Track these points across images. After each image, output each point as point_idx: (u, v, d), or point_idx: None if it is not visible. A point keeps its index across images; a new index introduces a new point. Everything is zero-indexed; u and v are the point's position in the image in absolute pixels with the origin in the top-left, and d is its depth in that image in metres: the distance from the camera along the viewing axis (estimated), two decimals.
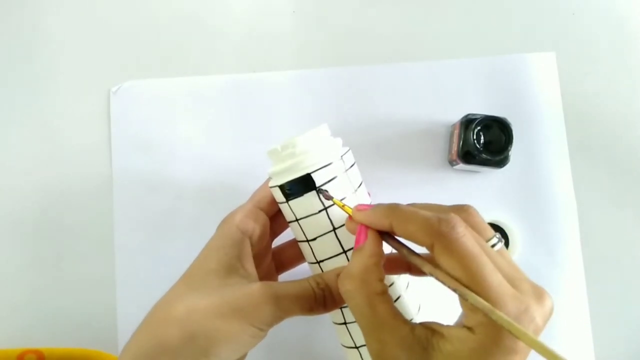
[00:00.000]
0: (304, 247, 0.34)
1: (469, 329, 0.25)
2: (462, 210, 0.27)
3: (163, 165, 0.47)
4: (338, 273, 0.31)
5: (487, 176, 0.47)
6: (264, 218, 0.35)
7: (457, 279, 0.25)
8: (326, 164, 0.31)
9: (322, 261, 0.33)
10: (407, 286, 0.35)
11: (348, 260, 0.32)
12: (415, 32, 0.49)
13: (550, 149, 0.47)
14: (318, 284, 0.31)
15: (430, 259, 0.27)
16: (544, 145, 0.47)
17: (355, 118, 0.47)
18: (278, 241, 0.39)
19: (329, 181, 0.31)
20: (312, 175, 0.31)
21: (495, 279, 0.25)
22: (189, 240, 0.46)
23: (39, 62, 0.49)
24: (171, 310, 0.30)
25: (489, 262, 0.25)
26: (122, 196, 0.47)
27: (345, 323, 0.34)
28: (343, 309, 0.33)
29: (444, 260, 0.25)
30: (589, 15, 0.49)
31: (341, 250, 0.32)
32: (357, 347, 0.33)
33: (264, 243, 0.35)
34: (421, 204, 0.29)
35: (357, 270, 0.28)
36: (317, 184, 0.31)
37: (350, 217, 0.31)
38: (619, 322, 0.45)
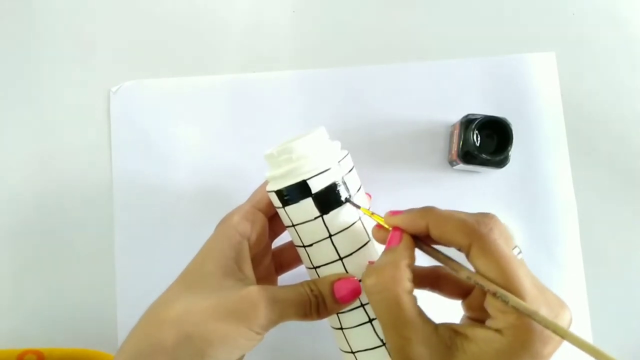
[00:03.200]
0: (301, 251, 0.34)
1: (497, 330, 0.25)
2: (488, 217, 0.28)
3: (163, 164, 0.47)
4: (332, 281, 0.31)
5: (487, 176, 0.47)
6: (262, 219, 0.35)
7: (492, 280, 0.25)
8: (323, 170, 0.31)
9: (318, 267, 0.33)
10: None
11: (344, 267, 0.32)
12: (415, 32, 0.49)
13: (550, 149, 0.47)
14: (312, 290, 0.31)
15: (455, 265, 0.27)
16: (544, 145, 0.47)
17: (355, 118, 0.47)
18: (278, 242, 0.39)
19: (325, 187, 0.31)
20: (308, 182, 0.31)
21: (529, 283, 0.25)
22: (189, 240, 0.46)
23: (39, 62, 0.49)
24: (167, 311, 0.30)
25: (522, 266, 0.25)
26: (122, 196, 0.47)
27: (342, 328, 0.33)
28: (339, 315, 0.33)
29: (481, 262, 0.26)
30: (589, 15, 0.49)
31: (337, 258, 0.32)
32: (353, 352, 0.33)
33: (263, 244, 0.35)
34: (446, 210, 0.29)
35: (389, 266, 0.27)
36: (313, 191, 0.31)
37: (379, 225, 0.31)
38: (619, 322, 0.45)
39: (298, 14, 0.49)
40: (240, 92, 0.48)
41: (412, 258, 0.28)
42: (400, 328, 0.26)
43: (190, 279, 0.32)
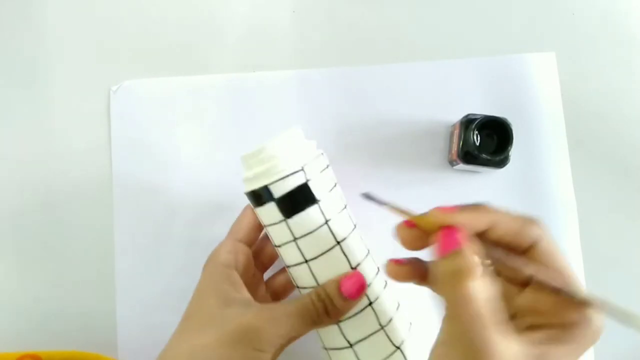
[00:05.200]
0: (276, 250, 0.34)
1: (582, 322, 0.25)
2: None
3: (163, 164, 0.47)
4: (338, 281, 0.32)
5: (487, 176, 0.47)
6: (243, 249, 0.35)
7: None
8: (288, 173, 0.31)
9: (289, 267, 0.33)
10: (398, 307, 0.35)
11: (310, 270, 0.32)
12: (415, 32, 0.49)
13: (550, 149, 0.47)
14: (318, 295, 0.31)
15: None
16: (544, 145, 0.47)
17: (355, 118, 0.47)
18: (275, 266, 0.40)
19: (289, 191, 0.31)
20: (270, 186, 0.31)
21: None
22: (190, 240, 0.46)
23: (39, 62, 0.49)
24: (174, 354, 0.30)
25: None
26: (122, 196, 0.47)
27: (338, 323, 0.33)
28: (345, 329, 0.33)
29: (548, 258, 0.26)
30: (589, 15, 0.49)
31: (303, 260, 0.32)
32: (351, 346, 0.33)
33: (250, 272, 0.36)
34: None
35: (467, 269, 0.24)
36: (276, 196, 0.31)
37: (408, 222, 0.27)
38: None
39: (298, 14, 0.49)
40: (240, 91, 0.48)
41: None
42: (488, 324, 0.23)
43: (192, 318, 0.33)
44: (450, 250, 0.25)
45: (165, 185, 0.47)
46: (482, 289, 0.23)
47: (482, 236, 0.26)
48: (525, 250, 0.26)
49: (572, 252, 0.46)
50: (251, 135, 0.47)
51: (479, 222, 0.26)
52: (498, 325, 0.23)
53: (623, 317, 0.23)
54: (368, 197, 0.30)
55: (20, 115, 0.48)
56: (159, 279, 0.45)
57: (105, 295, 0.45)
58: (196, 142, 0.47)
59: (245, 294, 0.33)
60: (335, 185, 0.34)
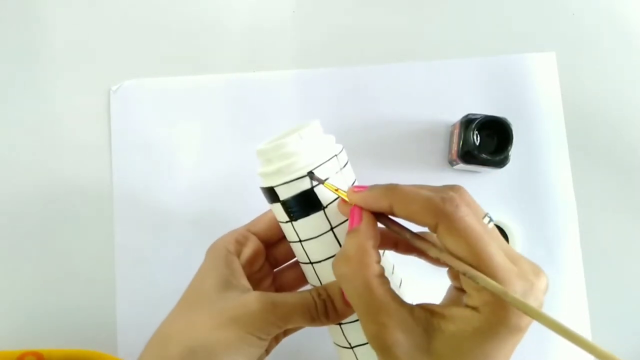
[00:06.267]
0: (292, 248, 0.34)
1: (474, 308, 0.25)
2: (454, 190, 0.27)
3: (163, 163, 0.47)
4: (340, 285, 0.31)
5: (487, 176, 0.47)
6: (254, 240, 0.35)
7: (462, 259, 0.25)
8: (293, 178, 0.30)
9: (318, 261, 0.33)
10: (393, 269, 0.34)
11: (315, 271, 0.32)
12: (415, 32, 0.49)
13: (550, 149, 0.47)
14: (319, 294, 0.31)
15: (428, 241, 0.27)
16: (544, 145, 0.47)
17: (355, 118, 0.47)
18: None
19: (296, 195, 0.31)
20: (276, 189, 0.30)
21: (500, 258, 0.24)
22: (190, 240, 0.46)
23: (40, 61, 0.49)
24: (170, 331, 0.30)
25: (493, 240, 0.25)
26: (122, 195, 0.47)
27: (339, 324, 0.33)
28: (347, 330, 0.33)
29: (449, 240, 0.25)
30: (589, 15, 0.49)
31: (308, 261, 0.32)
32: (351, 347, 0.33)
33: (257, 266, 0.35)
34: (413, 185, 0.28)
35: (354, 251, 0.27)
36: (281, 198, 0.31)
37: (343, 200, 0.30)
38: (619, 322, 0.45)
39: (298, 14, 0.49)
40: (240, 91, 0.48)
41: (377, 238, 0.28)
42: (374, 314, 0.25)
43: (190, 298, 0.32)
44: (352, 226, 0.28)
45: (165, 184, 0.47)
46: (376, 263, 0.27)
47: (395, 215, 0.27)
48: (436, 230, 0.26)
49: (572, 252, 0.46)
50: (251, 134, 0.47)
51: (380, 204, 0.27)
52: (391, 295, 0.26)
53: (522, 308, 0.23)
54: (311, 175, 0.30)
55: (20, 115, 0.48)
56: (159, 278, 0.45)
57: (106, 293, 0.46)
58: (196, 142, 0.47)
59: (244, 282, 0.32)
60: (352, 184, 0.33)
